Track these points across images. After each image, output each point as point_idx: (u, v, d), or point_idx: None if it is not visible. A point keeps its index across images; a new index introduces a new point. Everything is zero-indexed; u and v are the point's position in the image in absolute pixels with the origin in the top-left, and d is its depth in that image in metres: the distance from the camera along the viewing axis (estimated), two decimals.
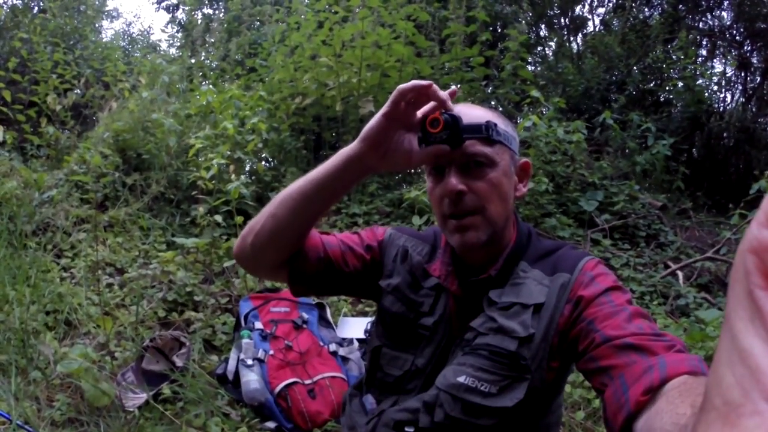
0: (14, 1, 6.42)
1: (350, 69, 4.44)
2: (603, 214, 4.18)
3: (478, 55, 4.57)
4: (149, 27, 17.36)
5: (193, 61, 6.28)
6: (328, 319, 2.65)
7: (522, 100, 4.76)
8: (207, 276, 3.13)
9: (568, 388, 2.34)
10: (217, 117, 4.19)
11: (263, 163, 4.55)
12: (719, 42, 6.79)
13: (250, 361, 2.23)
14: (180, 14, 9.69)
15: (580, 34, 7.68)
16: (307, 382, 2.23)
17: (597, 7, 7.56)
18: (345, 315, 2.85)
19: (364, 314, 2.91)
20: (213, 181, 3.48)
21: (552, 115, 4.42)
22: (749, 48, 6.59)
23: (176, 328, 2.69)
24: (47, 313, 2.58)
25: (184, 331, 2.64)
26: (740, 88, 6.62)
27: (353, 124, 4.47)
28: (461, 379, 0.94)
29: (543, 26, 7.88)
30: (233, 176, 3.50)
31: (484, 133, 0.96)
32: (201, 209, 3.47)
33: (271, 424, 2.11)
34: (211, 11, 8.99)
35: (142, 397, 2.12)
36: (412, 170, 4.20)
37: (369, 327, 2.54)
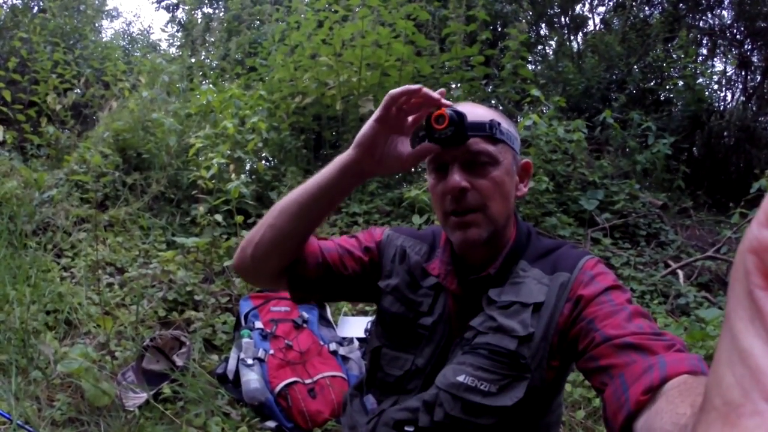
0: (14, 1, 6.42)
1: (350, 68, 4.44)
2: (603, 213, 4.18)
3: (478, 54, 4.57)
4: (149, 26, 17.37)
5: (193, 60, 6.28)
6: (328, 319, 2.65)
7: (522, 99, 4.75)
8: (207, 275, 3.13)
9: (568, 387, 2.34)
10: (217, 116, 4.19)
11: (263, 162, 4.55)
12: (720, 41, 6.79)
13: (250, 361, 2.23)
14: (180, 13, 9.69)
15: (580, 33, 7.68)
16: (308, 381, 2.23)
17: (597, 5, 7.57)
18: (345, 314, 2.85)
19: (365, 313, 2.91)
20: (213, 181, 3.48)
21: (552, 114, 4.41)
22: (749, 47, 6.58)
23: (176, 327, 2.69)
24: (47, 313, 2.58)
25: (184, 331, 2.64)
26: (740, 87, 6.62)
27: (353, 123, 4.47)
28: (461, 378, 0.94)
29: (543, 25, 7.87)
30: (233, 175, 3.50)
31: (488, 131, 0.96)
32: (201, 209, 3.47)
33: (271, 424, 2.11)
34: (211, 10, 8.99)
35: (143, 396, 2.12)
36: (413, 169, 4.20)
37: (369, 326, 2.54)
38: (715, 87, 6.52)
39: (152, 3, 10.25)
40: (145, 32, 9.31)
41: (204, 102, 4.33)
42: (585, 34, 7.61)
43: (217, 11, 8.82)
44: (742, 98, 6.56)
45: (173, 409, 2.11)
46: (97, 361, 2.24)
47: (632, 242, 4.06)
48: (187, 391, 2.13)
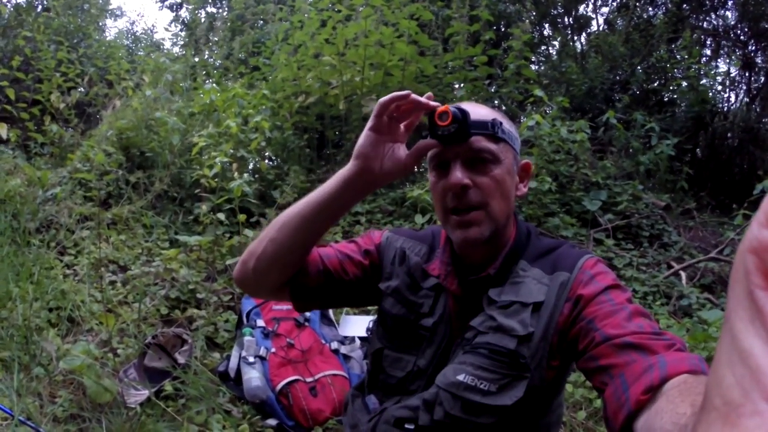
0: (18, 0, 6.44)
1: (353, 68, 4.44)
2: (606, 213, 4.17)
3: (481, 54, 4.57)
4: (153, 25, 17.35)
5: (196, 59, 6.29)
6: (330, 317, 2.65)
7: (525, 100, 4.75)
8: (210, 274, 3.14)
9: (569, 387, 2.34)
10: (220, 115, 4.20)
11: (266, 161, 4.56)
12: (723, 42, 6.77)
13: (251, 359, 2.23)
14: (184, 13, 9.71)
15: (583, 34, 7.66)
16: (309, 379, 2.23)
17: (601, 6, 7.55)
18: (347, 313, 2.85)
19: (366, 312, 2.91)
20: (216, 179, 3.49)
21: (555, 115, 4.41)
22: (753, 48, 6.56)
23: (179, 325, 2.69)
24: (50, 310, 2.59)
25: (186, 329, 2.64)
26: (744, 88, 6.59)
27: (356, 123, 4.48)
28: (461, 377, 0.94)
29: (547, 25, 7.86)
30: (236, 174, 3.51)
31: (491, 129, 0.96)
32: (204, 207, 3.48)
33: (272, 422, 2.11)
34: (214, 10, 9.01)
35: (144, 393, 2.12)
36: (415, 169, 4.19)
37: (371, 325, 2.54)
38: (719, 88, 6.50)
39: (156, 2, 10.28)
40: (149, 31, 9.35)
41: (207, 101, 4.34)
42: (588, 35, 7.60)
43: (220, 10, 8.84)
44: (746, 99, 6.54)
45: (175, 406, 2.12)
46: (99, 358, 2.25)
47: (635, 243, 4.05)
48: (189, 388, 2.13)
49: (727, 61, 6.78)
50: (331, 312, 2.68)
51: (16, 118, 4.57)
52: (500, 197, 0.98)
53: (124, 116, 4.33)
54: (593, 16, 7.62)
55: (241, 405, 2.20)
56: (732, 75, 6.62)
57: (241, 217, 3.22)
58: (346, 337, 2.56)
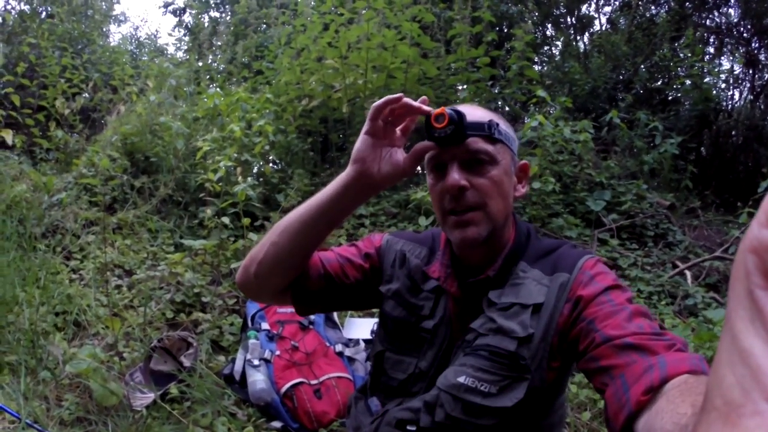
0: (22, 7, 6.49)
1: (356, 71, 4.45)
2: (611, 213, 4.16)
3: (484, 56, 4.57)
4: (156, 31, 17.46)
5: (200, 64, 6.32)
6: (334, 320, 2.66)
7: (528, 100, 4.75)
8: (215, 277, 3.15)
9: (573, 388, 2.33)
10: (224, 120, 4.21)
11: (270, 165, 4.57)
12: (726, 39, 6.74)
13: (256, 362, 2.24)
14: (187, 17, 9.75)
15: (586, 33, 7.66)
16: (313, 382, 2.23)
17: (603, 5, 7.54)
18: (351, 316, 2.85)
19: (371, 315, 2.91)
20: (220, 184, 3.50)
21: (559, 115, 4.40)
22: (757, 45, 6.53)
23: (184, 328, 2.71)
24: (56, 315, 2.61)
25: (191, 332, 2.66)
26: (748, 85, 6.56)
27: (359, 126, 4.42)
28: (461, 379, 0.94)
29: (549, 26, 7.86)
30: (240, 178, 3.52)
31: (487, 131, 0.97)
32: (209, 211, 3.49)
33: (277, 424, 2.12)
34: (217, 14, 9.04)
35: (150, 396, 2.14)
36: (419, 170, 4.20)
37: (375, 328, 2.54)
38: (723, 86, 6.46)
39: (159, 7, 10.31)
40: (153, 37, 9.39)
41: (211, 105, 4.35)
42: (591, 34, 7.59)
43: (223, 15, 8.87)
44: (750, 97, 6.51)
45: (180, 409, 2.13)
46: (105, 362, 2.26)
47: (640, 243, 4.04)
48: (194, 391, 2.14)
49: (731, 58, 6.75)
50: (335, 315, 2.68)
51: (21, 124, 4.60)
52: (498, 198, 0.98)
53: (128, 121, 4.36)
54: (596, 15, 7.61)
55: (246, 407, 2.21)
56: (735, 72, 6.59)
57: (246, 220, 3.23)
58: (350, 340, 2.56)
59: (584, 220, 4.11)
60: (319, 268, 1.10)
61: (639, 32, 6.58)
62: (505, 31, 6.54)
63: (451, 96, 4.71)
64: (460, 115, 0.94)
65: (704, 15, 6.86)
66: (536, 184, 3.79)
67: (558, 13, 7.51)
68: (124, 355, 2.42)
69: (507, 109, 5.56)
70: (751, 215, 3.64)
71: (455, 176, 0.95)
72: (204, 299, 2.93)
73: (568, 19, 7.56)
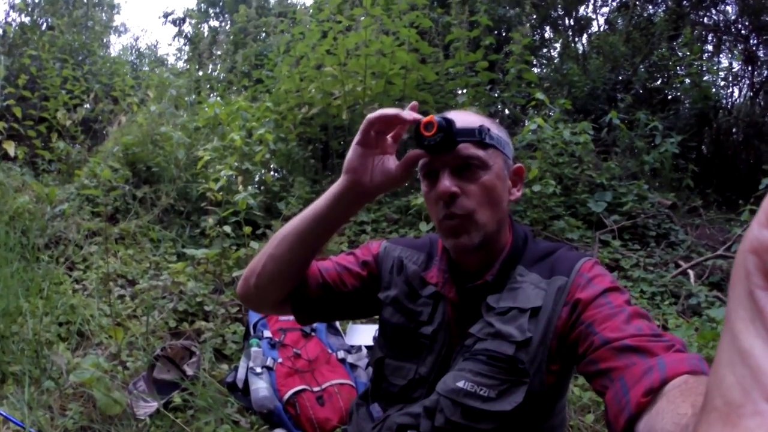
0: (23, 19, 6.54)
1: (355, 77, 4.46)
2: (612, 215, 4.16)
3: (482, 60, 4.58)
4: (156, 41, 17.57)
5: (200, 73, 6.35)
6: (336, 327, 2.66)
7: (528, 103, 4.75)
8: (217, 286, 3.16)
9: (577, 391, 2.33)
10: (224, 129, 4.23)
11: (271, 173, 4.58)
12: (725, 37, 6.74)
13: (258, 369, 2.24)
14: (187, 27, 9.80)
15: (584, 35, 7.67)
16: (316, 389, 2.23)
17: (601, 6, 7.55)
18: (354, 322, 2.85)
19: (374, 322, 2.91)
20: (221, 193, 3.52)
21: (558, 117, 4.41)
22: (755, 42, 6.52)
23: (187, 337, 2.71)
24: (60, 325, 2.62)
25: (194, 341, 2.66)
26: (747, 82, 6.55)
27: None
28: (460, 384, 0.94)
29: (548, 28, 7.88)
30: (241, 187, 3.53)
31: (478, 136, 0.97)
32: (210, 220, 3.50)
33: (280, 431, 2.12)
34: (217, 23, 9.09)
35: (153, 405, 2.14)
36: (418, 178, 4.20)
37: (377, 334, 2.54)
38: (722, 83, 6.46)
39: (159, 18, 10.38)
40: (153, 47, 9.44)
41: (211, 115, 4.38)
42: (589, 36, 7.61)
43: (223, 24, 8.92)
44: (750, 94, 6.51)
45: (183, 417, 2.13)
46: (109, 371, 2.27)
47: (642, 243, 4.03)
48: (197, 399, 2.15)
49: (729, 56, 6.75)
50: (337, 322, 2.68)
51: (23, 135, 4.62)
52: (490, 203, 0.98)
53: (129, 132, 4.38)
54: (594, 16, 7.63)
55: (249, 415, 2.21)
56: (734, 70, 6.59)
57: (247, 229, 3.24)
58: (352, 346, 2.56)
59: (585, 221, 4.11)
60: (318, 278, 1.11)
61: (637, 32, 6.59)
62: (504, 34, 6.56)
63: (450, 101, 4.72)
64: (449, 123, 0.94)
65: (702, 13, 6.87)
66: (537, 187, 3.79)
67: (556, 15, 7.53)
68: (128, 364, 2.43)
69: (507, 112, 5.57)
70: (753, 213, 3.62)
71: (446, 183, 0.96)
72: (206, 308, 2.93)
73: (566, 21, 7.58)
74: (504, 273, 1.01)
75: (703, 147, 5.94)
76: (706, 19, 6.91)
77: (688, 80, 5.85)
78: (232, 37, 6.95)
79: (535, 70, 6.91)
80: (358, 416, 1.15)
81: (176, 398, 2.18)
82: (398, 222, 3.98)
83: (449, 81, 4.76)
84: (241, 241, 3.45)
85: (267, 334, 2.44)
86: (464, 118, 0.99)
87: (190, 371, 2.32)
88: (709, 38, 6.91)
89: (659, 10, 7.01)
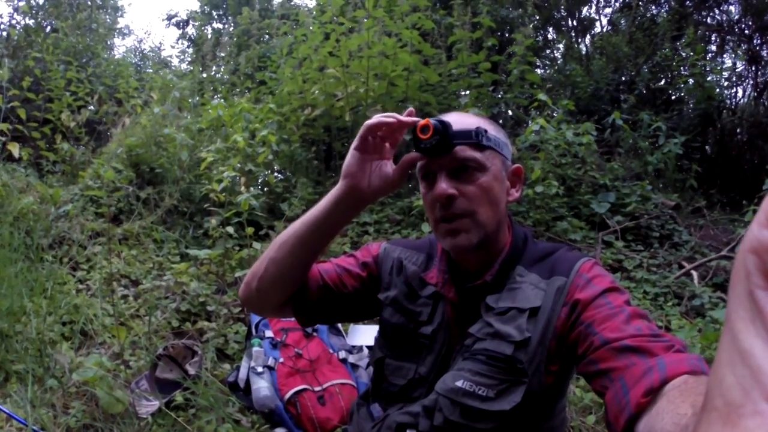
0: (27, 22, 6.58)
1: (358, 79, 4.47)
2: (615, 215, 4.15)
3: (485, 61, 4.58)
4: (160, 43, 17.57)
5: (203, 75, 6.37)
6: (338, 327, 2.66)
7: (530, 104, 4.75)
8: (220, 286, 3.17)
9: (578, 392, 2.33)
10: (227, 130, 4.24)
11: (274, 174, 4.59)
12: (728, 36, 6.73)
13: (260, 369, 2.25)
14: (190, 29, 9.85)
15: (588, 36, 7.66)
16: (317, 389, 2.24)
17: (604, 7, 7.55)
18: (356, 323, 2.86)
19: (375, 322, 2.92)
20: (224, 194, 3.53)
21: (561, 118, 4.40)
22: (759, 41, 6.50)
23: (189, 337, 2.72)
24: (63, 324, 2.63)
25: (197, 341, 2.67)
26: (751, 82, 6.54)
27: None
28: (459, 383, 0.94)
29: (551, 29, 7.88)
30: (243, 188, 3.54)
31: (474, 138, 0.97)
32: (213, 221, 3.51)
33: (281, 431, 2.13)
34: (220, 26, 9.12)
35: (155, 404, 2.15)
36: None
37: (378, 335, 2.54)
38: (726, 83, 6.45)
39: (163, 20, 10.42)
40: (156, 49, 9.47)
41: (215, 116, 4.39)
42: (593, 36, 7.60)
43: (226, 26, 8.95)
44: (754, 94, 6.49)
45: (185, 416, 2.14)
46: (112, 370, 2.28)
47: (645, 244, 4.02)
48: (199, 398, 2.16)
49: (733, 55, 6.73)
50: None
51: (27, 137, 4.65)
52: (488, 204, 0.98)
53: (133, 133, 4.40)
54: (596, 17, 7.62)
55: (250, 414, 2.22)
56: (738, 70, 6.57)
57: (249, 230, 3.24)
58: (354, 347, 2.57)
59: (589, 222, 4.10)
60: (318, 280, 1.12)
61: (640, 33, 6.58)
62: (507, 35, 6.56)
63: (453, 102, 4.72)
64: (445, 125, 0.94)
65: (705, 13, 6.86)
66: (540, 188, 3.79)
67: (559, 16, 7.53)
68: (130, 363, 2.44)
69: (509, 113, 5.57)
70: (756, 213, 3.62)
71: (443, 185, 0.96)
72: (209, 308, 2.94)
73: (569, 22, 7.58)
74: (503, 273, 1.01)
75: (706, 147, 5.92)
76: (709, 19, 6.90)
77: (691, 80, 5.84)
78: (235, 39, 6.98)
79: (538, 71, 6.91)
80: (359, 416, 1.15)
81: (178, 397, 2.19)
82: (401, 223, 3.99)
83: (452, 82, 4.76)
84: (243, 241, 3.46)
85: (269, 334, 2.45)
86: (461, 120, 0.99)
87: (192, 370, 2.33)
88: (713, 38, 6.90)
89: (662, 11, 7.00)
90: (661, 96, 6.23)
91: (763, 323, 0.27)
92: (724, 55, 6.85)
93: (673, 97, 6.26)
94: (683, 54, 6.17)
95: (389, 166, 1.03)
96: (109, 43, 7.51)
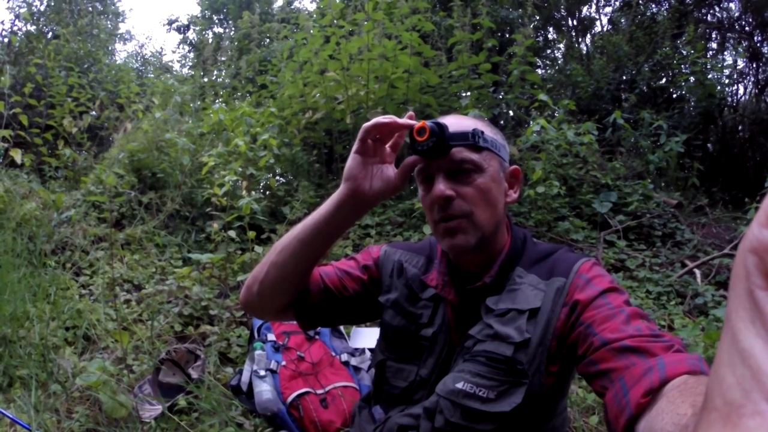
0: (29, 28, 6.61)
1: (358, 82, 4.48)
2: (617, 215, 4.14)
3: (485, 62, 4.58)
4: (161, 48, 17.66)
5: (205, 80, 6.39)
6: (340, 330, 2.67)
7: (531, 105, 4.75)
8: (222, 290, 3.17)
9: (581, 392, 2.32)
10: (229, 134, 4.26)
11: (276, 178, 4.60)
12: (728, 34, 6.72)
13: (262, 372, 2.25)
14: (191, 34, 9.88)
15: (588, 35, 7.66)
16: (320, 392, 2.24)
17: (604, 6, 7.55)
18: (357, 325, 2.86)
19: (377, 325, 2.91)
20: (226, 198, 3.54)
21: (562, 118, 4.40)
22: (759, 38, 6.50)
23: (192, 341, 2.73)
24: (67, 329, 2.64)
25: (199, 345, 2.67)
26: (752, 79, 6.52)
27: None
28: (460, 385, 0.95)
29: (551, 29, 7.88)
30: (245, 192, 3.55)
31: (471, 140, 0.98)
32: (215, 225, 3.52)
33: None
34: (221, 30, 9.15)
35: (158, 408, 2.15)
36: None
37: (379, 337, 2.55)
38: (727, 81, 6.43)
39: (164, 25, 10.46)
40: (158, 54, 9.50)
41: (216, 121, 4.41)
42: (593, 36, 7.60)
43: (227, 30, 8.97)
44: (755, 91, 6.47)
45: (188, 420, 2.14)
46: (115, 375, 2.28)
47: (647, 243, 4.01)
48: (202, 402, 2.16)
49: (733, 53, 6.72)
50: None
51: (30, 143, 4.67)
52: (485, 205, 0.99)
53: (135, 138, 4.42)
54: (597, 16, 7.62)
55: (253, 418, 2.22)
56: (739, 67, 6.55)
57: (251, 234, 3.25)
58: (356, 349, 2.57)
59: (591, 222, 4.10)
60: (319, 283, 1.12)
61: (640, 31, 6.57)
62: (507, 36, 6.56)
63: (453, 103, 4.72)
64: (441, 127, 0.95)
65: (705, 11, 6.85)
66: (541, 188, 3.79)
67: (559, 16, 7.53)
68: (133, 367, 2.45)
69: (510, 114, 5.57)
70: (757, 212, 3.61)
71: (440, 187, 0.97)
72: (212, 312, 2.95)
73: (569, 22, 7.58)
74: (503, 274, 1.01)
75: (708, 145, 5.91)
76: (709, 17, 6.89)
77: (692, 78, 5.82)
78: (236, 44, 7.00)
79: (539, 71, 6.91)
80: (361, 418, 1.16)
81: (181, 401, 2.19)
82: (402, 225, 3.99)
83: (452, 84, 4.76)
84: (245, 245, 3.46)
85: (271, 337, 2.46)
86: (457, 122, 1.00)
87: (194, 374, 2.33)
88: (713, 36, 6.89)
89: (662, 9, 6.99)
90: (662, 94, 6.22)
91: (763, 323, 0.27)
92: (725, 53, 6.85)
93: (674, 96, 6.25)
94: (684, 52, 6.16)
95: (391, 170, 1.03)
96: (110, 48, 7.55)
